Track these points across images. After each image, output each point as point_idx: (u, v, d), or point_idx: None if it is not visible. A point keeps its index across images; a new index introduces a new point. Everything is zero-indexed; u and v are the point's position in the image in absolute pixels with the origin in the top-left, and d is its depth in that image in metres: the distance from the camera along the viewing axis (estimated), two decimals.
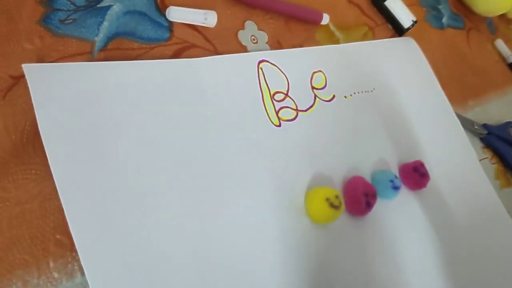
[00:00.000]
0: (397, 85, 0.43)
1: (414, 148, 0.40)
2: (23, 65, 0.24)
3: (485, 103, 0.51)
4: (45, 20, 0.27)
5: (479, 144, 0.47)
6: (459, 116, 0.46)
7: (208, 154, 0.29)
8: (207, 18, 0.32)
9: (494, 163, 0.47)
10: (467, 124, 0.47)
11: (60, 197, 0.22)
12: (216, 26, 0.33)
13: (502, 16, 0.59)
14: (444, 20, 0.54)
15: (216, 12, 0.33)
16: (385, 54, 0.44)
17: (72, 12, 0.28)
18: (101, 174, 0.24)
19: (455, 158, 0.43)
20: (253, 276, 0.27)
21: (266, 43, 0.36)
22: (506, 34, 0.60)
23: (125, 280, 0.22)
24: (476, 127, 0.47)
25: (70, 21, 0.28)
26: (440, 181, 0.40)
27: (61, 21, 0.27)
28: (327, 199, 0.30)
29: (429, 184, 0.37)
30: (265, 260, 0.28)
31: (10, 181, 0.23)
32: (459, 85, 0.50)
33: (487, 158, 0.47)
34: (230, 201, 0.28)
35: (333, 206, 0.30)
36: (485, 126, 0.48)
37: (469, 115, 0.49)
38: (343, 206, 0.30)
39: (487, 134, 0.47)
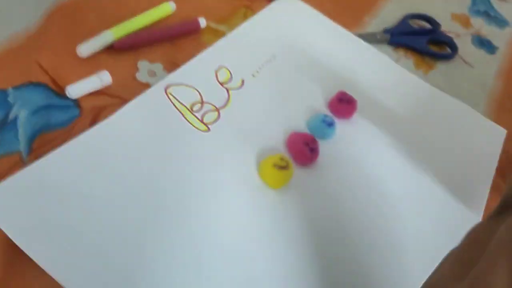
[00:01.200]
0: (295, 40, 0.47)
1: (335, 84, 0.44)
2: None
3: (378, 13, 0.55)
4: None
5: (390, 48, 0.51)
6: (361, 35, 0.50)
7: (167, 186, 0.32)
8: (102, 79, 0.36)
9: (409, 57, 0.51)
10: (371, 38, 0.51)
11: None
12: (113, 81, 0.37)
13: None
14: None
15: (107, 70, 0.36)
16: (273, 20, 0.48)
17: None
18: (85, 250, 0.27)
19: (375, 72, 0.47)
20: (237, 254, 0.30)
21: (163, 69, 0.40)
22: None
23: None
24: (379, 36, 0.51)
25: None
26: (372, 97, 0.44)
27: None
28: (275, 165, 0.33)
29: (363, 107, 0.41)
30: (244, 237, 0.31)
31: None
32: (350, 11, 0.54)
33: (401, 56, 0.51)
34: (202, 205, 0.32)
35: (282, 167, 0.33)
36: (386, 31, 0.52)
37: (370, 29, 0.53)
38: (291, 164, 0.34)
39: (391, 36, 0.52)
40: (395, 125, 0.42)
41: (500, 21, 0.62)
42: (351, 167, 0.37)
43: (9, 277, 0.26)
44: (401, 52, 0.51)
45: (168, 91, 0.38)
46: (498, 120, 0.45)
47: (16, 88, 0.34)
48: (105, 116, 0.35)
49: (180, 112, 0.37)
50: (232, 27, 0.46)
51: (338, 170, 0.37)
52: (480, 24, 0.60)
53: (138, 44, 0.40)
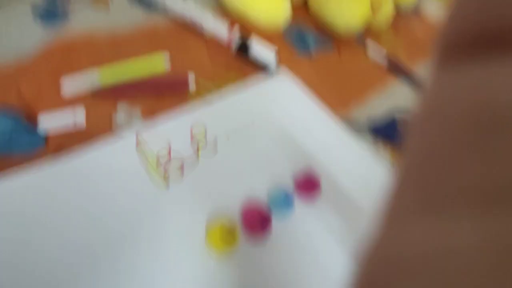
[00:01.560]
0: (277, 116, 0.48)
1: (306, 164, 0.44)
2: None
3: (367, 103, 0.57)
4: None
5: (370, 139, 0.52)
6: (343, 121, 0.51)
7: (108, 240, 0.32)
8: (76, 116, 0.37)
9: (388, 151, 0.52)
10: (354, 126, 0.52)
11: None
12: (88, 119, 0.37)
13: (369, 30, 0.66)
14: (311, 47, 0.61)
15: (86, 107, 0.38)
16: (260, 94, 0.50)
17: None
18: None
19: (349, 160, 0.47)
20: None
21: (141, 115, 0.40)
22: (378, 42, 0.68)
23: None
24: (361, 124, 0.53)
25: None
26: (340, 185, 0.44)
27: None
28: (222, 231, 0.33)
29: (325, 196, 0.42)
30: None
31: None
32: (340, 95, 0.56)
33: (379, 148, 0.52)
34: (140, 263, 0.31)
35: (228, 234, 0.33)
36: (369, 120, 0.53)
37: (355, 117, 0.54)
38: (238, 232, 0.34)
39: (374, 127, 0.53)
40: (355, 219, 0.42)
41: None
42: (299, 249, 0.37)
43: None
44: (380, 145, 0.52)
45: (139, 137, 0.38)
46: None
47: None
48: (70, 151, 0.35)
49: (146, 162, 0.37)
50: (219, 86, 0.47)
51: (286, 248, 0.37)
52: None
53: (123, 95, 0.41)
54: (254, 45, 0.52)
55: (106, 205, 0.33)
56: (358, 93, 0.58)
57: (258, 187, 0.40)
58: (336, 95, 0.55)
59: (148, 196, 0.35)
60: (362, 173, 0.47)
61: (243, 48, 0.52)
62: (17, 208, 0.31)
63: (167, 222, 0.34)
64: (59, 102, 0.38)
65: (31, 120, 0.36)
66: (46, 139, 0.36)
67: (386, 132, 0.53)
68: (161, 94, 0.43)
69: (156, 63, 0.45)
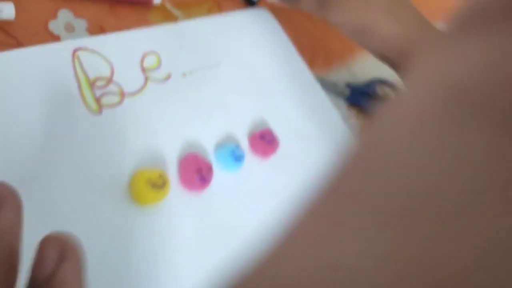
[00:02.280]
0: (247, 57, 0.42)
1: (268, 118, 0.40)
2: None
3: (350, 64, 0.52)
4: None
5: (344, 104, 0.48)
6: (321, 79, 0.46)
7: (17, 152, 0.27)
8: (2, 10, 0.30)
9: (359, 119, 0.48)
10: (330, 86, 0.47)
11: None
12: (20, 18, 0.31)
13: None
14: None
15: (22, 2, 0.31)
16: (235, 27, 0.44)
17: None
18: None
19: (315, 120, 0.43)
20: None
21: (86, 30, 0.34)
22: None
23: None
24: (338, 88, 0.48)
25: None
26: (298, 146, 0.40)
27: None
28: (149, 181, 0.29)
29: (283, 152, 0.38)
30: (96, 253, 0.26)
31: None
32: (322, 50, 0.50)
33: (352, 116, 0.47)
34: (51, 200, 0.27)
35: (155, 186, 0.29)
36: (348, 85, 0.49)
37: (334, 77, 0.49)
38: (168, 185, 0.30)
39: (351, 93, 0.48)
40: (304, 184, 0.38)
41: None
42: (236, 208, 0.33)
43: None
44: (353, 112, 0.48)
45: (77, 53, 0.32)
46: None
47: None
48: None
49: (79, 82, 0.32)
50: (189, 16, 0.41)
51: (222, 206, 0.33)
52: None
53: None
54: None
55: (25, 114, 0.28)
56: (345, 53, 0.52)
57: (205, 136, 0.35)
58: (319, 52, 0.50)
59: (74, 118, 0.30)
60: (325, 137, 0.42)
61: None
62: None
63: (90, 151, 0.29)
64: None
65: None
66: None
67: (362, 102, 0.49)
68: (116, 3, 0.36)
69: None
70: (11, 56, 0.30)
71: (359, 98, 0.48)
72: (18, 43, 0.31)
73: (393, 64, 0.40)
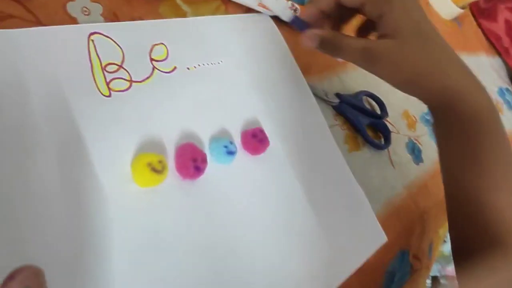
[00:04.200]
0: (247, 58, 0.45)
1: (260, 116, 0.42)
2: None
3: (341, 74, 0.55)
4: None
5: (332, 112, 0.51)
6: (312, 86, 0.49)
7: (31, 130, 0.29)
8: None
9: (344, 129, 0.51)
10: (320, 94, 0.50)
11: None
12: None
13: None
14: None
15: None
16: (238, 29, 0.46)
17: None
18: None
19: (304, 124, 0.46)
20: (86, 248, 0.28)
21: (101, 15, 0.36)
22: None
23: None
24: (328, 96, 0.51)
25: None
26: (286, 147, 0.43)
27: None
28: (149, 164, 0.31)
29: (272, 150, 0.40)
30: (94, 230, 0.29)
31: None
32: (316, 58, 0.53)
33: (338, 124, 0.51)
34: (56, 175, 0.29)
35: (155, 170, 0.31)
36: (337, 95, 0.52)
37: (325, 85, 0.52)
38: (167, 170, 0.32)
39: (340, 102, 0.51)
40: (289, 186, 0.41)
41: None
42: (227, 200, 0.36)
43: None
44: (339, 121, 0.51)
45: (92, 37, 0.34)
46: (384, 226, 0.46)
47: None
48: (6, 27, 0.31)
49: (91, 64, 0.34)
50: (197, 12, 0.43)
51: (213, 197, 0.36)
52: (423, 132, 0.62)
53: None
54: None
55: (39, 91, 0.30)
56: (335, 66, 0.55)
57: (202, 129, 0.38)
58: (315, 61, 0.53)
59: (85, 98, 0.32)
60: (312, 142, 0.46)
61: None
62: None
63: (98, 130, 0.32)
64: None
65: None
66: None
67: (349, 113, 0.52)
68: None
69: None
70: (33, 33, 0.32)
71: (346, 108, 0.52)
72: (37, 20, 0.33)
73: (433, 109, 0.41)
